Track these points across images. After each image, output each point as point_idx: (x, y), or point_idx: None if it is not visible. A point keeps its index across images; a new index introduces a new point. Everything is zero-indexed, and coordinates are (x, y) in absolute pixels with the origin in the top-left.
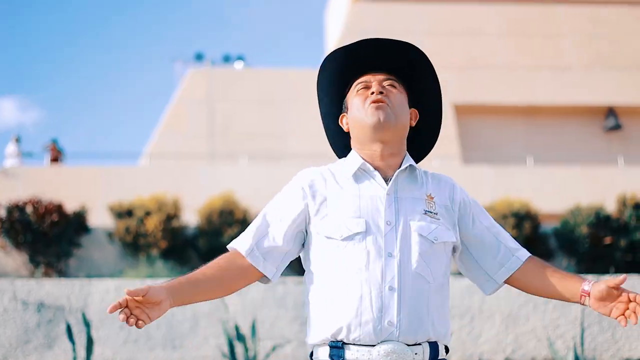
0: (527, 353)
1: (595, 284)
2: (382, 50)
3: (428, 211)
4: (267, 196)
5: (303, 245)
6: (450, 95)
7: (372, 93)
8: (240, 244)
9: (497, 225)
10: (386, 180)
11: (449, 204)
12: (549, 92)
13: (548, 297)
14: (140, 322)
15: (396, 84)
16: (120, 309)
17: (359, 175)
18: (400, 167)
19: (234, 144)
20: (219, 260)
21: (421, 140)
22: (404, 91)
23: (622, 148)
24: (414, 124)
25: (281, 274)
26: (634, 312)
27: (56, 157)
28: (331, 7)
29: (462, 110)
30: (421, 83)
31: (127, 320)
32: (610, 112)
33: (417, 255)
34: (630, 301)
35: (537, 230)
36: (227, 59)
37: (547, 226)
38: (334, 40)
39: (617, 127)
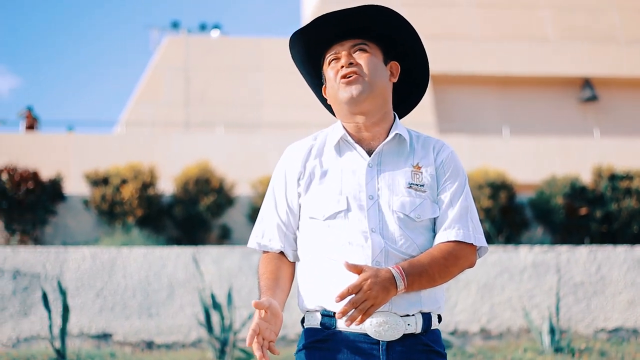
0: (503, 323)
1: None
2: (343, 19)
3: (413, 184)
4: (243, 165)
5: None
6: None
7: (342, 66)
8: (274, 243)
9: (459, 199)
10: (371, 151)
11: (434, 171)
12: (525, 63)
13: None
14: (272, 343)
15: (366, 46)
16: (256, 341)
17: (342, 147)
18: (387, 136)
19: (210, 113)
20: (268, 266)
21: (410, 91)
22: (378, 49)
23: (598, 119)
24: (395, 79)
25: None
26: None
27: (31, 124)
28: None
29: (438, 80)
30: (395, 35)
31: (261, 350)
32: (587, 83)
33: (400, 232)
34: None
35: (513, 201)
36: (203, 27)
37: (523, 196)
38: (310, 8)
39: (593, 98)
